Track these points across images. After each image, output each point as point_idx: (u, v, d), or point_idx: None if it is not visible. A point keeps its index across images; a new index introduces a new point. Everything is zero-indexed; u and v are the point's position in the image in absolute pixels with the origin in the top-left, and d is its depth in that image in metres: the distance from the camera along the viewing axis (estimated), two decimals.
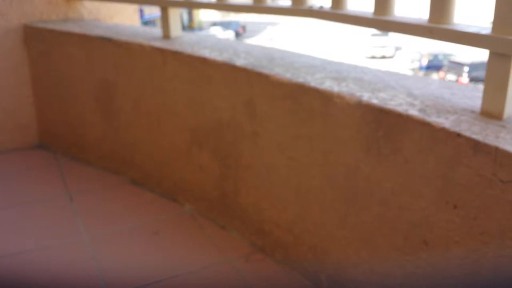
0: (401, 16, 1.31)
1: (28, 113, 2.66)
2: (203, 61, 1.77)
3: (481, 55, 19.06)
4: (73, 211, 2.03)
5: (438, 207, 1.09)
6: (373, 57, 28.07)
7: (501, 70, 1.05)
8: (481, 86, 1.17)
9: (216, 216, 1.92)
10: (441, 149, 1.07)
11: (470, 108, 1.16)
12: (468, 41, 1.10)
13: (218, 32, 28.98)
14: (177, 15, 2.14)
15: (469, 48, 1.15)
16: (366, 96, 1.27)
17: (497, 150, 0.96)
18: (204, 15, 36.55)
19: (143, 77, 2.07)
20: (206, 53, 1.81)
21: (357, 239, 1.35)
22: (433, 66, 23.16)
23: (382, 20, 1.32)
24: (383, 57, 28.16)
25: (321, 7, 1.55)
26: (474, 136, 1.00)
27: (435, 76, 21.14)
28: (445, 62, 22.25)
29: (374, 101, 1.23)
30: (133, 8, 2.96)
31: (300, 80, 1.44)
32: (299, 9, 1.61)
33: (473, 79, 18.95)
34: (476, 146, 0.99)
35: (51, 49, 2.46)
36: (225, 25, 32.04)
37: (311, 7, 1.58)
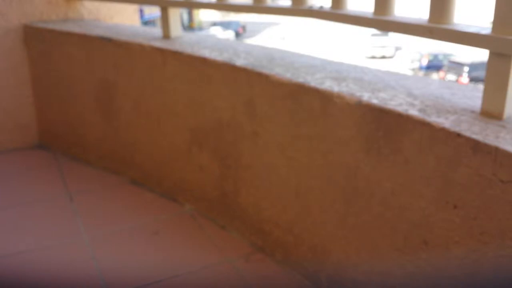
0: (401, 16, 1.31)
1: (28, 113, 2.66)
2: (203, 61, 1.77)
3: (481, 55, 19.06)
4: (73, 211, 2.03)
5: (438, 207, 1.09)
6: (373, 57, 28.07)
7: (501, 70, 1.05)
8: (481, 86, 1.17)
9: (216, 216, 1.92)
10: (441, 149, 1.07)
11: (470, 108, 1.16)
12: (468, 41, 1.10)
13: (218, 32, 28.98)
14: (177, 15, 2.14)
15: (469, 48, 1.15)
16: (366, 96, 1.27)
17: (497, 150, 0.96)
18: (204, 15, 36.55)
19: (143, 77, 2.07)
20: (206, 53, 1.81)
21: (357, 239, 1.35)
22: (433, 66, 23.16)
23: (382, 20, 1.32)
24: (383, 57, 28.16)
25: (321, 7, 1.55)
26: (474, 136, 1.00)
27: (435, 76, 21.14)
28: (445, 62, 22.25)
29: (374, 101, 1.23)
30: (133, 8, 2.96)
31: (300, 80, 1.44)
32: (299, 9, 1.61)
33: (473, 79, 18.95)
34: (476, 146, 0.99)
35: (51, 49, 2.46)
36: (225, 25, 32.03)
37: (311, 7, 1.58)
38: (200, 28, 32.94)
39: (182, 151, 1.99)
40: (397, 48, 28.70)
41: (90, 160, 2.47)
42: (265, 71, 1.55)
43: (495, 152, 0.96)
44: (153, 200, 2.12)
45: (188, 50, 1.87)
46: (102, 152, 2.41)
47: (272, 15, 1.75)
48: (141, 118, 2.14)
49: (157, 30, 2.28)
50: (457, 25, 1.15)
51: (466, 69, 19.72)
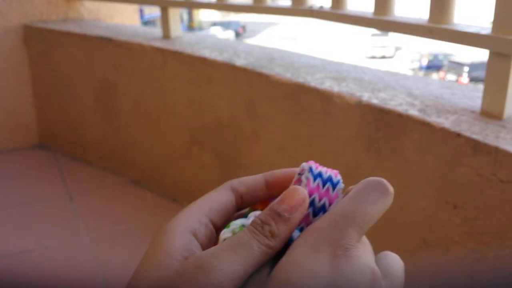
0: (401, 16, 1.31)
1: (28, 113, 2.66)
2: (203, 61, 1.77)
3: (481, 55, 19.06)
4: (73, 211, 2.03)
5: (438, 207, 1.09)
6: (373, 57, 28.07)
7: (501, 70, 1.05)
8: (481, 86, 1.17)
9: None
10: (441, 149, 1.07)
11: (470, 108, 1.16)
12: (468, 41, 1.10)
13: (218, 32, 28.98)
14: (177, 15, 2.14)
15: (469, 48, 1.15)
16: (366, 96, 1.27)
17: (497, 150, 0.96)
18: (204, 15, 36.56)
19: (143, 77, 2.07)
20: (206, 53, 1.81)
21: None
22: (433, 66, 23.17)
23: (382, 20, 1.32)
24: (383, 57, 28.17)
25: (321, 7, 1.55)
26: (474, 136, 1.00)
27: (435, 76, 21.14)
28: (445, 62, 22.27)
29: (374, 101, 1.23)
30: (133, 8, 2.96)
31: (300, 80, 1.44)
32: (299, 9, 1.61)
33: (473, 79, 18.96)
34: (476, 146, 0.99)
35: (51, 49, 2.46)
36: (225, 25, 32.04)
37: (311, 7, 1.58)
38: (200, 28, 32.95)
39: (182, 151, 1.99)
40: (397, 48, 28.70)
41: (90, 160, 2.47)
42: (265, 71, 1.55)
43: (495, 152, 0.96)
44: (153, 200, 2.12)
45: (188, 50, 1.87)
46: (102, 152, 2.41)
47: (272, 15, 1.75)
48: (141, 118, 2.14)
49: (157, 30, 2.28)
50: (457, 25, 1.15)
51: (466, 69, 19.73)
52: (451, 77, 20.24)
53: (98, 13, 2.76)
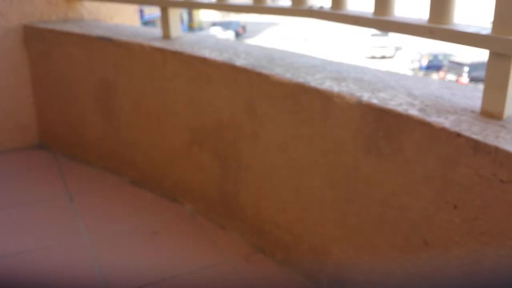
0: (401, 16, 1.31)
1: (28, 113, 2.66)
2: (203, 61, 1.77)
3: (481, 55, 19.07)
4: (73, 211, 2.03)
5: (438, 207, 1.09)
6: (373, 57, 28.07)
7: (501, 70, 1.05)
8: (481, 86, 1.17)
9: (216, 216, 1.92)
10: (441, 149, 1.07)
11: (470, 108, 1.16)
12: (468, 41, 1.10)
13: (218, 32, 28.98)
14: (177, 15, 2.14)
15: (469, 48, 1.15)
16: (366, 96, 1.27)
17: (497, 150, 0.96)
18: (204, 15, 36.56)
19: (143, 77, 2.07)
20: (206, 53, 1.81)
21: (357, 239, 1.35)
22: (433, 66, 23.17)
23: (382, 20, 1.32)
24: (383, 57, 28.17)
25: (321, 7, 1.55)
26: (474, 136, 1.00)
27: (435, 76, 21.14)
28: (445, 62, 22.26)
29: (374, 101, 1.23)
30: (133, 8, 2.96)
31: (300, 80, 1.44)
32: (299, 9, 1.61)
33: (473, 79, 18.96)
34: (476, 146, 0.99)
35: (51, 49, 2.46)
36: (225, 25, 32.04)
37: (311, 7, 1.58)
38: (200, 28, 32.95)
39: (182, 151, 1.99)
40: (397, 48, 28.71)
41: (90, 160, 2.47)
42: (265, 71, 1.55)
43: (495, 152, 0.96)
44: (153, 200, 2.12)
45: (188, 50, 1.87)
46: (102, 152, 2.41)
47: (272, 15, 1.75)
48: (141, 118, 2.14)
49: (157, 30, 2.28)
50: (457, 25, 1.15)
51: (466, 69, 19.73)
52: (451, 77, 20.24)
53: (98, 13, 2.76)
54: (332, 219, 1.42)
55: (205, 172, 1.91)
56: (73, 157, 2.55)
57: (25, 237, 1.85)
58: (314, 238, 1.51)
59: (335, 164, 1.37)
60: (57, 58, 2.45)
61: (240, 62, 1.67)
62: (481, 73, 18.43)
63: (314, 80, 1.43)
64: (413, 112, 1.14)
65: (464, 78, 19.32)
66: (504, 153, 0.94)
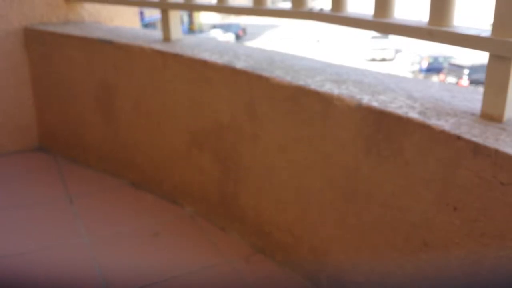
0: (401, 18, 1.31)
1: (28, 115, 2.66)
2: (204, 63, 1.78)
3: (481, 57, 19.08)
4: (73, 214, 2.03)
5: (438, 209, 1.09)
6: (373, 60, 28.08)
7: (501, 72, 1.05)
8: (481, 89, 1.17)
9: (217, 217, 1.92)
10: (441, 152, 1.07)
11: (470, 111, 1.17)
12: (468, 43, 1.11)
13: (218, 35, 28.99)
14: (177, 18, 2.15)
15: (469, 51, 1.15)
16: (366, 99, 1.27)
17: (497, 152, 0.96)
18: (204, 18, 36.59)
19: (143, 79, 2.07)
20: (207, 56, 1.81)
21: (357, 240, 1.35)
22: (433, 68, 23.19)
23: (382, 23, 1.33)
24: (383, 59, 28.18)
25: (321, 9, 1.55)
26: (474, 139, 1.01)
27: (435, 78, 21.16)
28: (445, 65, 22.28)
29: (374, 103, 1.23)
30: (133, 11, 2.97)
31: (300, 82, 1.44)
32: (299, 12, 1.61)
33: (473, 82, 18.97)
34: (476, 148, 0.99)
35: (52, 52, 2.46)
36: (225, 27, 32.05)
37: (311, 9, 1.59)
38: (201, 31, 32.97)
39: (182, 153, 1.99)
40: (397, 51, 28.72)
41: (90, 163, 2.47)
42: (265, 73, 1.55)
43: (495, 155, 0.96)
44: (153, 202, 2.12)
45: (188, 52, 1.87)
46: (102, 154, 2.41)
47: (272, 18, 1.76)
48: (141, 120, 2.14)
49: (157, 33, 2.28)
50: (457, 28, 1.15)
51: (466, 71, 19.74)
52: (451, 79, 20.25)
53: (99, 15, 2.77)
54: (332, 219, 1.42)
55: (205, 173, 1.91)
56: (73, 160, 2.55)
57: (26, 239, 1.85)
58: (314, 239, 1.51)
59: (335, 166, 1.37)
60: (58, 60, 2.45)
61: (240, 64, 1.68)
62: (481, 76, 18.43)
63: (314, 83, 1.43)
64: (413, 114, 1.15)
65: (464, 81, 19.34)
66: (504, 155, 0.95)
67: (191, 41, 2.12)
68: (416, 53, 26.29)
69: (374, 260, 1.31)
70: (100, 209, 2.08)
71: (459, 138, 1.03)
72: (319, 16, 1.55)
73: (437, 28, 1.17)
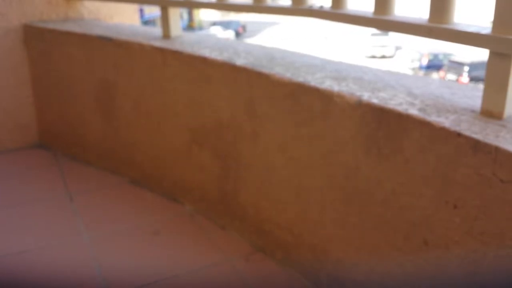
0: (401, 15, 1.31)
1: (28, 113, 2.66)
2: (203, 60, 1.77)
3: (481, 54, 19.06)
4: (73, 211, 2.03)
5: (438, 206, 1.09)
6: (373, 57, 28.05)
7: (501, 69, 1.05)
8: (481, 86, 1.16)
9: (216, 216, 1.92)
10: (441, 149, 1.07)
11: (470, 108, 1.16)
12: (468, 40, 1.10)
13: (218, 32, 28.97)
14: (177, 15, 2.14)
15: (469, 48, 1.15)
16: (366, 96, 1.27)
17: (497, 149, 0.96)
18: (204, 15, 36.55)
19: (143, 76, 2.07)
20: (206, 53, 1.81)
21: (357, 238, 1.35)
22: (433, 65, 23.15)
23: (382, 20, 1.32)
24: (383, 56, 28.15)
25: (321, 6, 1.55)
26: (474, 136, 1.00)
27: (435, 75, 21.14)
28: (445, 62, 22.25)
29: (374, 100, 1.23)
30: (133, 8, 2.96)
31: (300, 79, 1.44)
32: (299, 9, 1.61)
33: (473, 79, 18.95)
34: (476, 145, 0.99)
35: (51, 49, 2.46)
36: (225, 24, 32.02)
37: (311, 6, 1.58)
38: (200, 28, 32.93)
39: (182, 151, 1.99)
40: (397, 48, 28.69)
41: (90, 160, 2.47)
42: (265, 70, 1.55)
43: (495, 152, 0.96)
44: (153, 200, 2.12)
45: (188, 49, 1.87)
46: (102, 152, 2.41)
47: (272, 15, 1.75)
48: (141, 118, 2.14)
49: (157, 30, 2.28)
50: (457, 25, 1.15)
51: (466, 68, 19.72)
52: (451, 76, 20.23)
53: (98, 12, 2.76)
54: (332, 218, 1.42)
55: (205, 172, 1.91)
56: (73, 157, 2.55)
57: (25, 237, 1.85)
58: (314, 238, 1.51)
59: (335, 163, 1.37)
60: (57, 57, 2.45)
61: (240, 61, 1.67)
62: (481, 73, 18.41)
63: (314, 80, 1.43)
64: (413, 111, 1.14)
65: (464, 78, 19.31)
66: (504, 152, 0.94)
67: (190, 38, 2.11)
68: (416, 50, 26.25)
69: (374, 258, 1.31)
70: (100, 206, 2.08)
71: (459, 135, 1.03)
72: (319, 13, 1.54)
73: (437, 25, 1.17)
